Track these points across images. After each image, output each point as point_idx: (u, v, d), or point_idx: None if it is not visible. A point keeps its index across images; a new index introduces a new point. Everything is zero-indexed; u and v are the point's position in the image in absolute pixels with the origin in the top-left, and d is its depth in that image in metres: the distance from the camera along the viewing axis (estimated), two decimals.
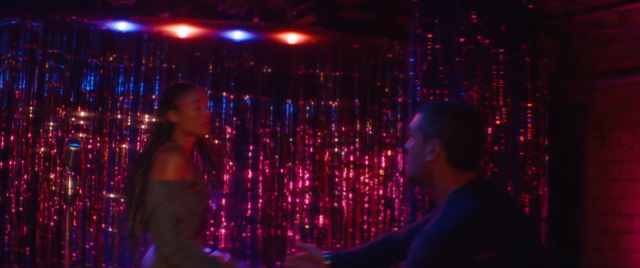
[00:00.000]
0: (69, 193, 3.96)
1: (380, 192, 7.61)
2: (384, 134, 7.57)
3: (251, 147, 7.29)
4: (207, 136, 4.37)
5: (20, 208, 6.58)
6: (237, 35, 6.89)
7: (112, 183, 6.83)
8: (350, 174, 7.53)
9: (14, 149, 6.68)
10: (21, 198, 6.61)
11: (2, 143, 6.65)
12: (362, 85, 7.55)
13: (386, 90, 7.61)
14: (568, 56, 8.15)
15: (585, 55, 8.00)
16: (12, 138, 6.67)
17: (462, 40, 6.23)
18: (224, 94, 7.20)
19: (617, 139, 7.70)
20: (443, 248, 2.71)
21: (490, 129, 6.77)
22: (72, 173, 3.95)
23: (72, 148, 3.97)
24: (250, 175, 7.28)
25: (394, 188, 7.62)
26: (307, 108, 7.45)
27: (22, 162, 6.65)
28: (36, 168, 6.65)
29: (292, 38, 7.10)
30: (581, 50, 8.04)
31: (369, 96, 7.58)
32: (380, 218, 7.58)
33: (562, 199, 7.99)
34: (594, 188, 7.89)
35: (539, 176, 7.95)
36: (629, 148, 7.58)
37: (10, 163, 6.62)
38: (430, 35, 6.12)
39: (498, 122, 7.68)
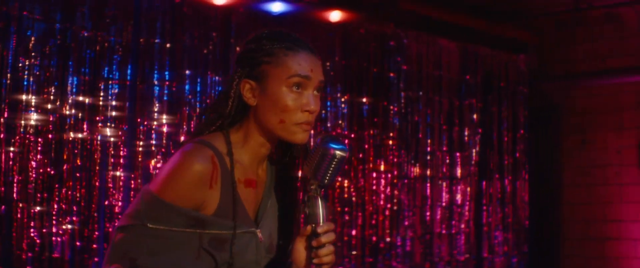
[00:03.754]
0: (319, 229, 2.38)
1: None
2: (391, 134, 6.65)
3: None
4: (302, 144, 2.49)
5: None
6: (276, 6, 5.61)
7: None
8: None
9: None
10: None
11: None
12: (369, 77, 6.56)
13: (392, 83, 6.69)
14: (546, 54, 7.70)
15: (565, 54, 7.58)
16: None
17: None
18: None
19: (600, 142, 7.34)
20: None
21: None
22: (322, 194, 2.40)
23: (339, 154, 2.34)
24: None
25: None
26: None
27: None
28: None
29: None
30: (560, 48, 7.62)
31: (377, 90, 6.61)
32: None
33: (536, 205, 7.54)
34: (574, 194, 7.48)
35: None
36: (615, 151, 7.25)
37: None
38: None
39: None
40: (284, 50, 2.40)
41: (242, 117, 2.47)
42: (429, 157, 6.96)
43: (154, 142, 5.54)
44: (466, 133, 7.20)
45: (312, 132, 2.51)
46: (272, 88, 2.39)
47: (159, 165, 5.54)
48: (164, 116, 5.59)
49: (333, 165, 2.34)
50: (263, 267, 2.49)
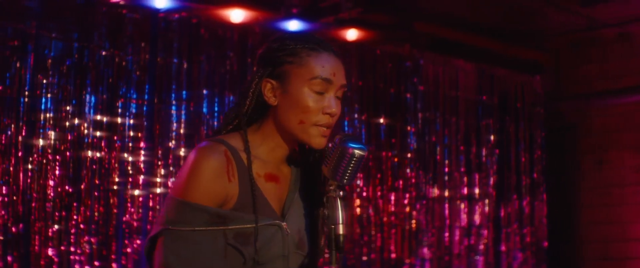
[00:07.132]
0: (340, 231, 2.30)
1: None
2: (408, 155, 6.64)
3: None
4: (319, 149, 2.43)
5: None
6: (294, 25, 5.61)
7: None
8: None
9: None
10: None
11: None
12: (386, 97, 6.57)
13: (409, 104, 6.70)
14: (561, 74, 7.69)
15: (580, 74, 7.58)
16: None
17: None
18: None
19: (617, 162, 7.30)
20: None
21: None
22: (341, 194, 2.34)
23: (358, 153, 2.29)
24: None
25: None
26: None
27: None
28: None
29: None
30: (575, 68, 7.61)
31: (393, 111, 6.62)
32: None
33: (554, 226, 7.49)
34: (592, 214, 7.43)
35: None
36: (632, 170, 7.20)
37: None
38: None
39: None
40: (307, 51, 2.37)
41: (261, 116, 2.44)
42: (446, 178, 6.94)
43: (171, 160, 5.54)
44: (483, 153, 7.18)
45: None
46: (293, 88, 2.36)
47: None
48: (182, 135, 5.60)
49: (352, 165, 2.30)
50: (294, 263, 2.42)
